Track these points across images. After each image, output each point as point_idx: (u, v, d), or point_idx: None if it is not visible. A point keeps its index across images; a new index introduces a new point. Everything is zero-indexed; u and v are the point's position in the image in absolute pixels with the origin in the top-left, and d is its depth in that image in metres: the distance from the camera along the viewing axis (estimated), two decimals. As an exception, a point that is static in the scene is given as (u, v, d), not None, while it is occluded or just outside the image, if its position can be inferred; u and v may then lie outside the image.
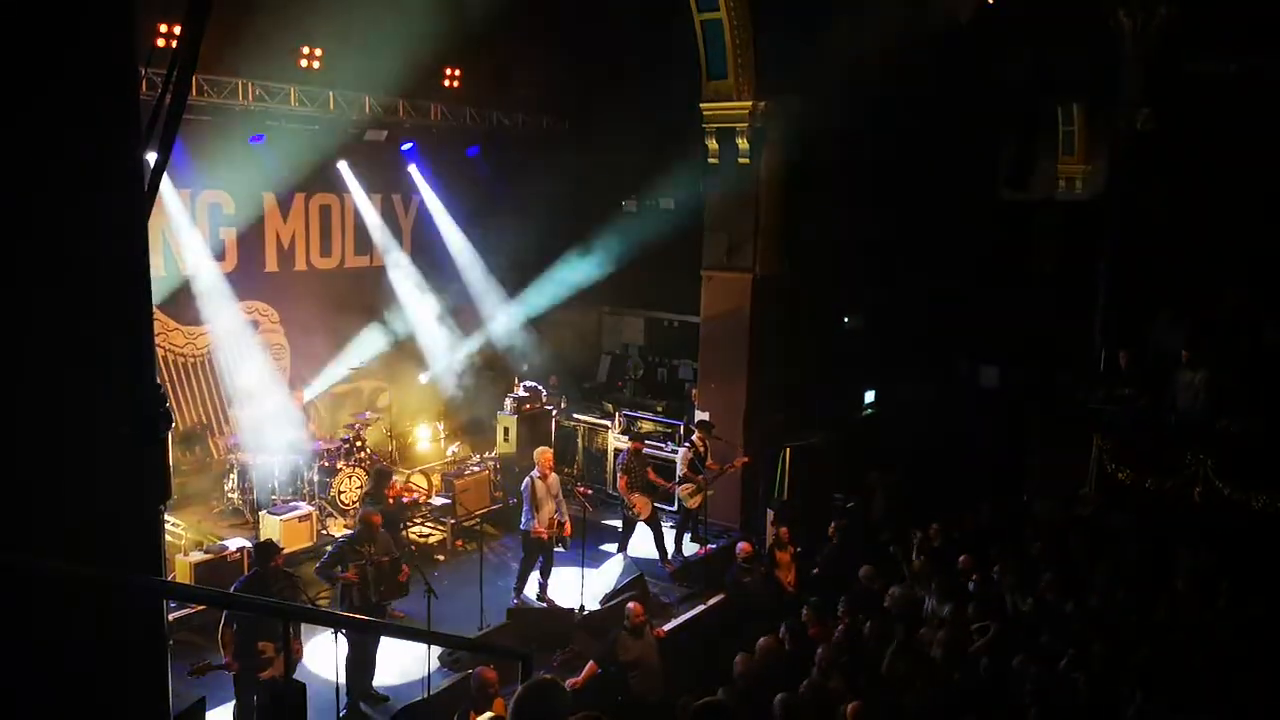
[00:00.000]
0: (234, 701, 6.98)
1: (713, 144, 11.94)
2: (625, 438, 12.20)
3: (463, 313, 14.33)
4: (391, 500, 9.69)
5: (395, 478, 10.07)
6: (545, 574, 9.52)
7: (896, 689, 6.37)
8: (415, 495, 11.29)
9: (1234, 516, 9.05)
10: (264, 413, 11.44)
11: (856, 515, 10.50)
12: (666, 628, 8.67)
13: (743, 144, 11.72)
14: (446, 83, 13.41)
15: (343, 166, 12.74)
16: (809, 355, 12.47)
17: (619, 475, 10.79)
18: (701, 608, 9.59)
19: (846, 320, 13.86)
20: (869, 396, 14.11)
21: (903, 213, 13.16)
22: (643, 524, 10.66)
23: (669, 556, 10.80)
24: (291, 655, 4.30)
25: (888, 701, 6.14)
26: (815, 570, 9.44)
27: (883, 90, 12.57)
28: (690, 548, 11.23)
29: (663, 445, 12.40)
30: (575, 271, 14.52)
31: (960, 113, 13.94)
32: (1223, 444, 9.16)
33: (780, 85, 11.60)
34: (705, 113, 11.83)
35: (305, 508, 10.43)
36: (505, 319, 14.62)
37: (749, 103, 11.49)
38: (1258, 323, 9.89)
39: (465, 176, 14.18)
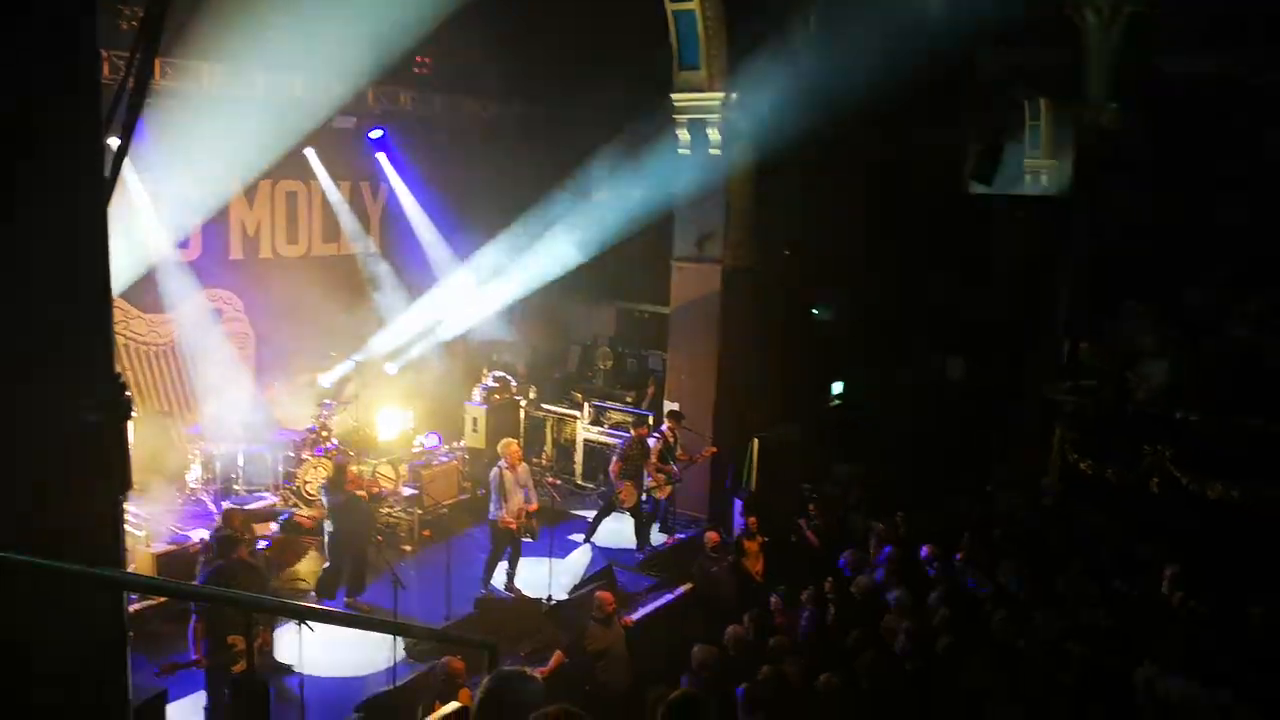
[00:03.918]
0: (206, 697, 6.92)
1: (684, 134, 11.93)
2: (595, 428, 12.25)
3: (431, 301, 14.22)
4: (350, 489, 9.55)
5: (354, 468, 10.01)
6: (513, 564, 9.52)
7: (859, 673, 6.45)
8: (381, 489, 11.18)
9: (1191, 506, 9.25)
10: (228, 401, 11.30)
11: (830, 503, 10.61)
12: (634, 617, 8.69)
13: (714, 135, 11.72)
14: (416, 69, 13.28)
15: (310, 153, 12.57)
16: (779, 346, 12.53)
17: (614, 460, 10.77)
18: (670, 597, 9.62)
19: (816, 312, 13.93)
20: (837, 388, 14.22)
21: (873, 205, 13.25)
22: (626, 512, 10.71)
23: (641, 546, 10.85)
24: (254, 649, 4.26)
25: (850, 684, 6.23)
26: (795, 539, 9.55)
27: (854, 82, 12.63)
28: (659, 538, 11.28)
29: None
30: (546, 261, 14.46)
31: (930, 106, 14.04)
32: (1181, 435, 9.35)
33: (752, 77, 11.61)
34: (677, 103, 11.81)
35: (270, 498, 10.33)
36: (474, 308, 14.53)
37: (721, 94, 11.49)
38: (1219, 316, 10.09)
39: (435, 164, 14.05)
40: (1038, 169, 17.06)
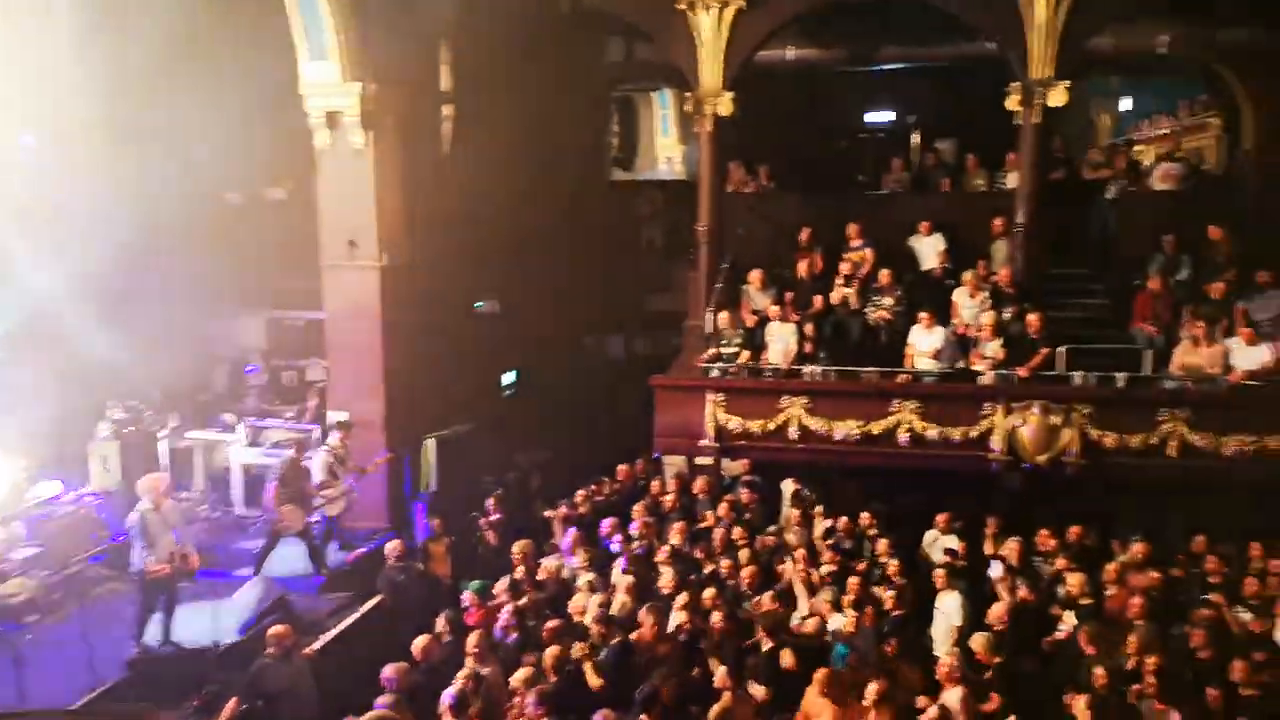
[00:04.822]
0: None
1: (322, 130, 11.29)
2: (254, 449, 11.36)
3: (33, 325, 12.17)
4: None
5: None
6: (169, 614, 8.52)
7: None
8: None
9: (824, 447, 10.53)
10: None
11: (511, 494, 10.68)
12: (316, 646, 8.18)
13: (354, 130, 11.22)
14: None
15: None
16: (445, 343, 12.38)
17: (271, 485, 9.95)
18: (356, 616, 9.16)
19: (479, 305, 13.93)
20: (508, 378, 14.38)
21: (527, 194, 13.46)
22: (294, 538, 9.98)
23: (319, 568, 10.21)
24: None
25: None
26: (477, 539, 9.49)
27: (504, 71, 12.75)
28: (338, 556, 10.69)
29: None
30: (179, 271, 13.03)
31: (572, 96, 14.55)
32: (808, 387, 10.57)
33: (390, 67, 11.24)
34: (309, 97, 11.14)
35: None
36: (92, 328, 12.67)
37: (357, 85, 11.00)
38: (828, 281, 11.53)
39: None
40: (670, 154, 18.39)
